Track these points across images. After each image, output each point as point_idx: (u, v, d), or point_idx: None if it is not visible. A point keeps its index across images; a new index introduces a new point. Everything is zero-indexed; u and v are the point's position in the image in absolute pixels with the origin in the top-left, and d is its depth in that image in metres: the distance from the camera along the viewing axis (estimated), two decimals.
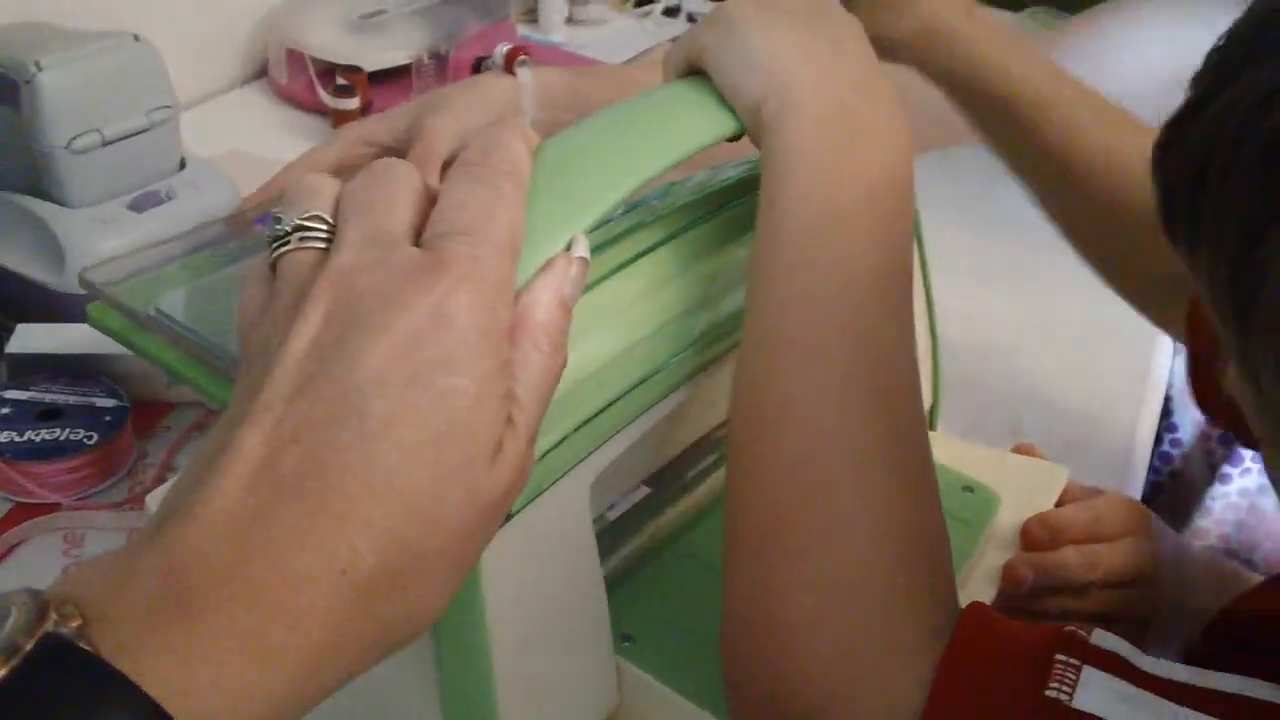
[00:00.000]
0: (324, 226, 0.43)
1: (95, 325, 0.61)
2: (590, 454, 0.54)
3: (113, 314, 0.60)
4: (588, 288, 0.48)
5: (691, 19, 1.64)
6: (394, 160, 0.46)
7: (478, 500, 0.40)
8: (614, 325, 0.55)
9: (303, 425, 0.38)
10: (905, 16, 0.81)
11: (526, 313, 0.43)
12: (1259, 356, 0.43)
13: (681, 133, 0.54)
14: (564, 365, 0.44)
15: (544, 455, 0.51)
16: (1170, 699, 0.43)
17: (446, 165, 0.87)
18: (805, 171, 0.53)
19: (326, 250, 0.42)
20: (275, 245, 0.44)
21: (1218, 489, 1.02)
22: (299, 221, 0.43)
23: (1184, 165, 0.45)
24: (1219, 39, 0.45)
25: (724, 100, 0.56)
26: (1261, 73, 0.42)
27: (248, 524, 0.36)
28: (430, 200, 0.44)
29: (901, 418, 0.53)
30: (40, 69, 0.85)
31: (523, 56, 1.18)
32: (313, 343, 0.39)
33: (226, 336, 0.59)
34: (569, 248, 0.46)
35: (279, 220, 0.44)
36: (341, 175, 0.87)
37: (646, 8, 1.66)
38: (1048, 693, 0.44)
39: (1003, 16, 1.69)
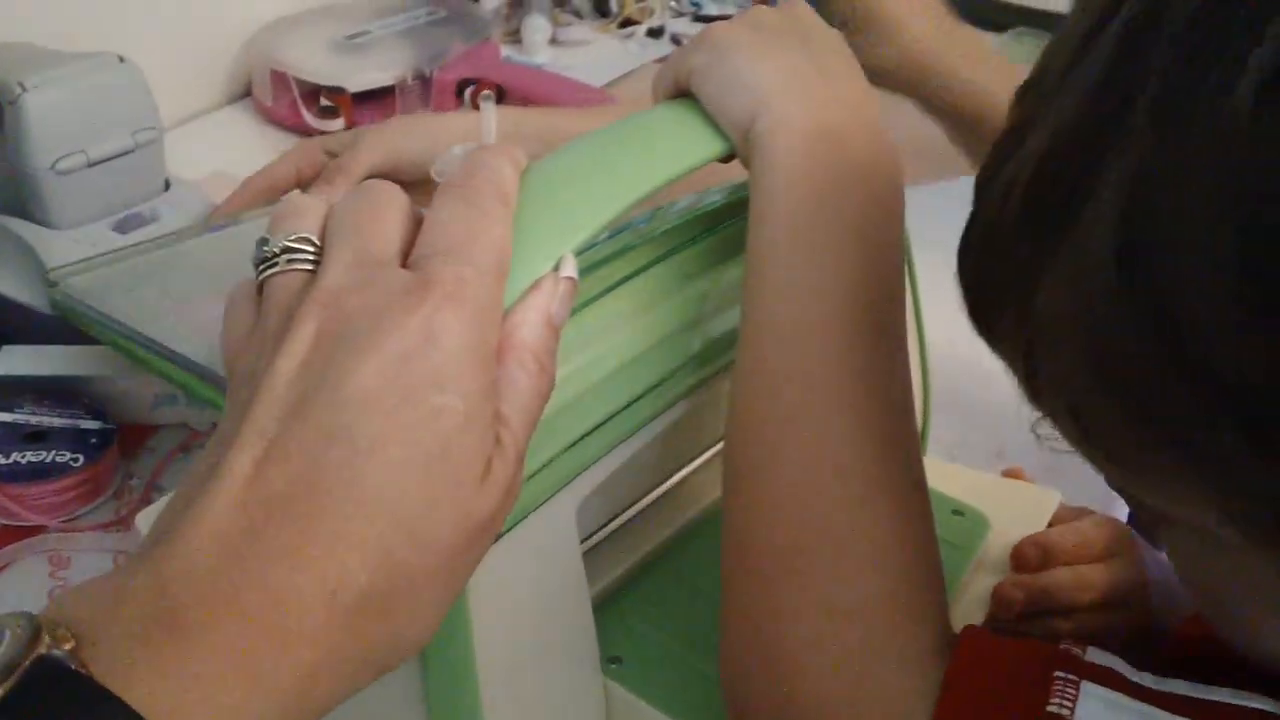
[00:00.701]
0: (311, 248, 0.43)
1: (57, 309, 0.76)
2: (578, 476, 0.54)
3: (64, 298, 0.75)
4: (575, 310, 0.48)
5: (675, 40, 1.64)
6: (382, 182, 0.46)
7: (467, 520, 0.40)
8: (602, 347, 0.55)
9: (294, 445, 0.38)
10: (886, 45, 0.83)
11: (513, 333, 0.43)
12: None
13: (671, 154, 0.55)
14: (551, 386, 0.44)
15: (532, 476, 0.51)
16: (1169, 710, 0.44)
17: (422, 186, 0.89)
18: (792, 192, 0.53)
19: (314, 272, 0.43)
20: (263, 267, 0.44)
21: None
22: (286, 243, 0.43)
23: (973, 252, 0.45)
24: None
25: (713, 122, 0.57)
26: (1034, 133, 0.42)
27: (239, 544, 0.36)
28: (418, 221, 0.44)
29: (895, 439, 0.53)
30: (25, 90, 0.85)
31: (486, 91, 1.20)
32: (302, 363, 0.40)
33: (121, 310, 0.71)
34: (557, 268, 0.46)
35: (266, 242, 0.44)
36: (304, 186, 0.91)
37: (630, 29, 1.66)
38: (1049, 708, 0.45)
39: (987, 38, 1.70)
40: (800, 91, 0.55)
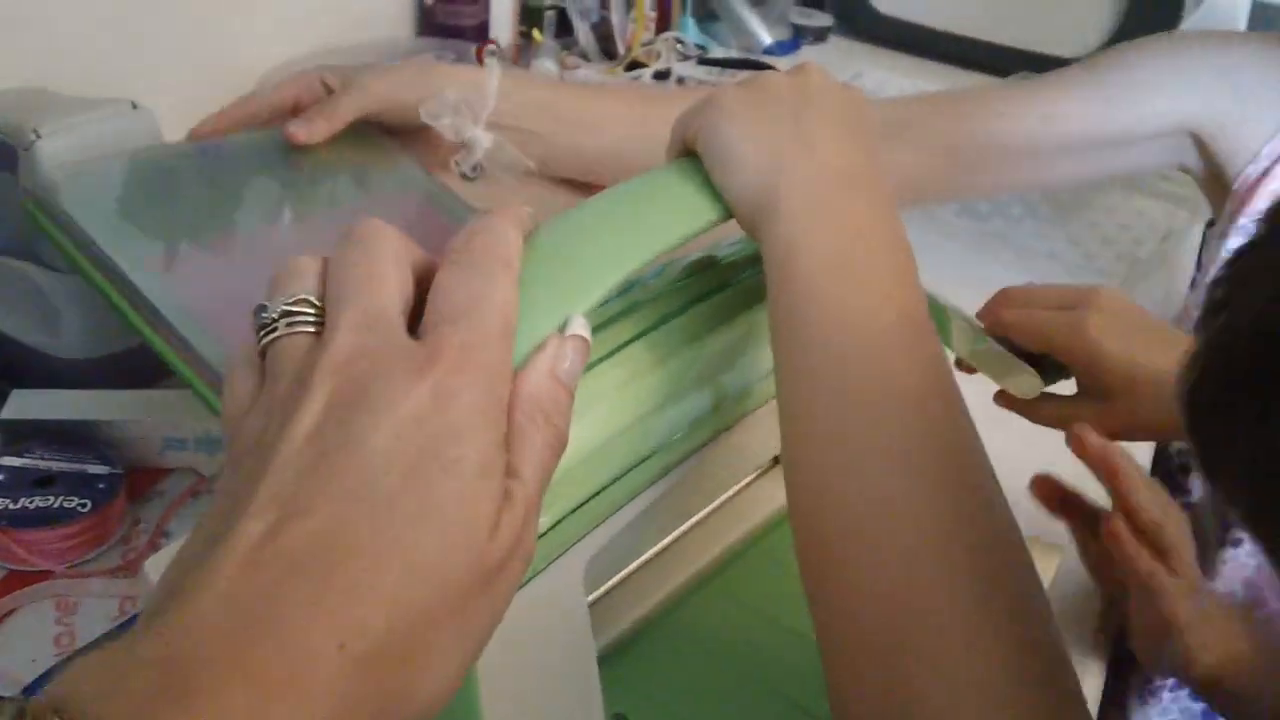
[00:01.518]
0: (312, 310, 0.43)
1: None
2: (585, 535, 0.54)
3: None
4: (585, 369, 0.48)
5: (681, 83, 1.65)
6: (379, 226, 0.46)
7: (478, 562, 0.40)
8: (609, 407, 0.56)
9: (311, 504, 0.38)
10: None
11: (520, 389, 0.44)
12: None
13: (674, 219, 0.55)
14: (563, 440, 0.45)
15: (540, 536, 0.51)
16: None
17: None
18: (806, 273, 0.54)
19: (317, 333, 0.43)
20: (264, 333, 0.44)
21: (1229, 552, 1.01)
22: (285, 307, 0.43)
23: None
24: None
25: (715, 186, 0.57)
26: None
27: (252, 605, 0.36)
28: (416, 261, 0.45)
29: (994, 519, 0.52)
30: (39, 136, 0.86)
31: (491, 47, 1.19)
32: (317, 427, 0.40)
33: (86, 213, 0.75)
34: (564, 328, 0.46)
35: (264, 307, 0.44)
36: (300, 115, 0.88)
37: (637, 71, 1.67)
38: None
39: (990, 81, 1.71)
40: (785, 174, 0.55)
